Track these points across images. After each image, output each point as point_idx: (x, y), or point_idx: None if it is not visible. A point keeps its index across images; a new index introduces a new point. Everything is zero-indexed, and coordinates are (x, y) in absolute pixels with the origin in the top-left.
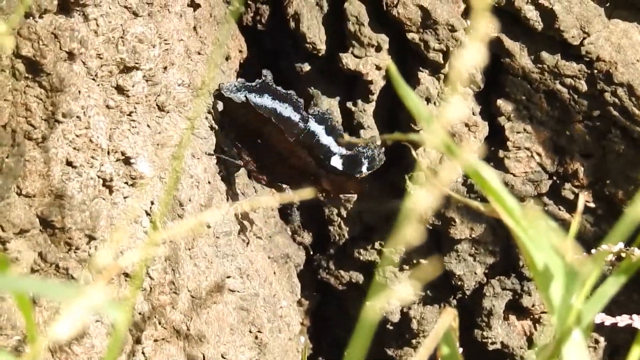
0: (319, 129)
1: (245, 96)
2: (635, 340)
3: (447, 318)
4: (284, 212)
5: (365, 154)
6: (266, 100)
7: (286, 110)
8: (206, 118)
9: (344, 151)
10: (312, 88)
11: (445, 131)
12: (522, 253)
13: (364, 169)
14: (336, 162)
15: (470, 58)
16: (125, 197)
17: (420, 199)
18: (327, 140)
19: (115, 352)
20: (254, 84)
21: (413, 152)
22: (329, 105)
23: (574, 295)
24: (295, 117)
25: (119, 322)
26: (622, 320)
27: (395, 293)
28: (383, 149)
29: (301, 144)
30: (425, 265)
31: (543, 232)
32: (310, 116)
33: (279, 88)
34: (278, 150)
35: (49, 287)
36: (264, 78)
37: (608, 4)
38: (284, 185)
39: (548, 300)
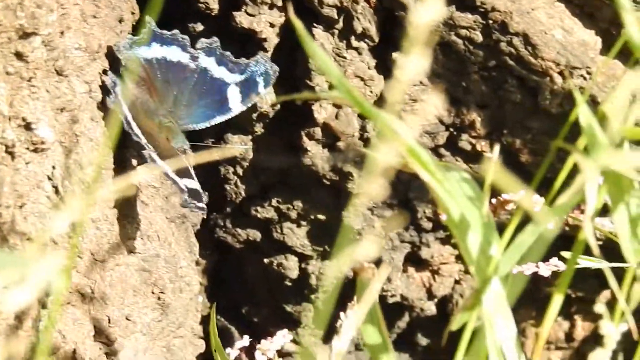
0: (209, 62)
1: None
2: (556, 287)
3: (366, 274)
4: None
5: (258, 72)
6: (155, 51)
7: (174, 53)
8: (102, 81)
9: (237, 77)
10: None
11: (350, 86)
12: (437, 205)
13: (261, 88)
14: (233, 93)
15: (428, 13)
16: (27, 163)
17: (383, 154)
18: (219, 72)
19: (54, 322)
20: (140, 36)
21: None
22: None
23: (492, 246)
24: (184, 58)
25: (60, 291)
26: (528, 269)
27: (359, 250)
28: (273, 64)
29: None
30: (391, 217)
31: (458, 183)
32: (199, 51)
33: (164, 31)
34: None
35: None
36: (148, 25)
37: None
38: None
39: (466, 251)
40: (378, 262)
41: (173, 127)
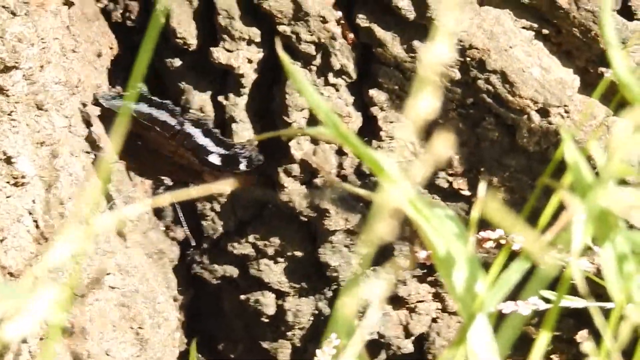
0: (195, 132)
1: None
2: (542, 326)
3: (347, 309)
4: (157, 207)
5: (243, 155)
6: (142, 107)
7: (162, 115)
8: (82, 116)
9: (222, 151)
10: (183, 83)
11: (341, 123)
12: (415, 242)
13: (242, 167)
14: (214, 159)
15: (439, 53)
16: (7, 197)
17: (391, 195)
18: (204, 141)
19: (51, 354)
20: (128, 94)
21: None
22: (201, 100)
23: (477, 282)
24: (172, 121)
25: (57, 323)
26: (507, 307)
27: (368, 289)
28: (259, 153)
29: (183, 145)
30: (400, 258)
31: (442, 220)
32: (186, 121)
33: (155, 98)
34: (160, 151)
35: None
36: (139, 90)
37: None
38: (163, 178)
39: (451, 287)
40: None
41: None
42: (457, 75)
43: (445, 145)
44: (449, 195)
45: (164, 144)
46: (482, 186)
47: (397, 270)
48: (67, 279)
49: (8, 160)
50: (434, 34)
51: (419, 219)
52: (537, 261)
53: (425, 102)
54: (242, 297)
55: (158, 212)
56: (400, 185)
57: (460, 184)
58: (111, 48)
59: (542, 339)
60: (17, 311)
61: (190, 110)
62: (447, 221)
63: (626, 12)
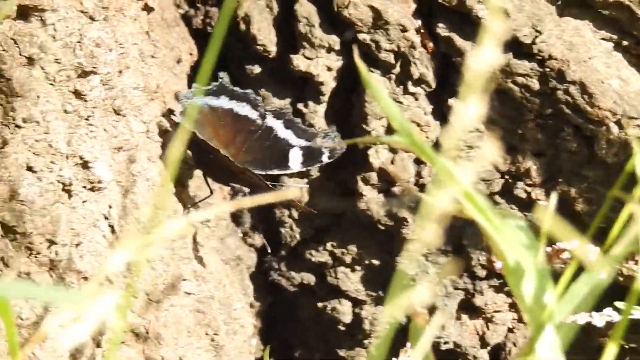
0: (276, 124)
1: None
2: (610, 337)
3: (420, 320)
4: (235, 213)
5: (325, 145)
6: (223, 102)
7: (243, 109)
8: (160, 121)
9: (303, 143)
10: (262, 90)
11: (417, 132)
12: (492, 252)
13: (325, 158)
14: (295, 155)
15: (486, 57)
16: (83, 202)
17: (439, 200)
18: (285, 133)
19: (114, 358)
20: (210, 87)
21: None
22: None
23: (546, 293)
24: (253, 114)
25: (116, 330)
26: (582, 318)
27: (413, 296)
28: (342, 141)
29: (249, 170)
30: (446, 264)
31: (513, 231)
32: (268, 112)
33: (236, 88)
34: (230, 168)
35: (51, 293)
36: (220, 80)
37: (559, 2)
38: (239, 186)
39: (521, 298)
40: (432, 309)
41: None
42: (536, 85)
43: (492, 151)
44: (527, 205)
45: (231, 165)
46: (553, 197)
47: (443, 277)
48: (141, 284)
49: (85, 165)
50: (482, 38)
51: (490, 229)
52: (601, 271)
53: (473, 108)
54: (319, 304)
55: (236, 219)
56: (470, 193)
57: (538, 194)
58: (191, 54)
59: (611, 350)
60: (79, 316)
61: (272, 103)
62: (518, 231)
63: None
